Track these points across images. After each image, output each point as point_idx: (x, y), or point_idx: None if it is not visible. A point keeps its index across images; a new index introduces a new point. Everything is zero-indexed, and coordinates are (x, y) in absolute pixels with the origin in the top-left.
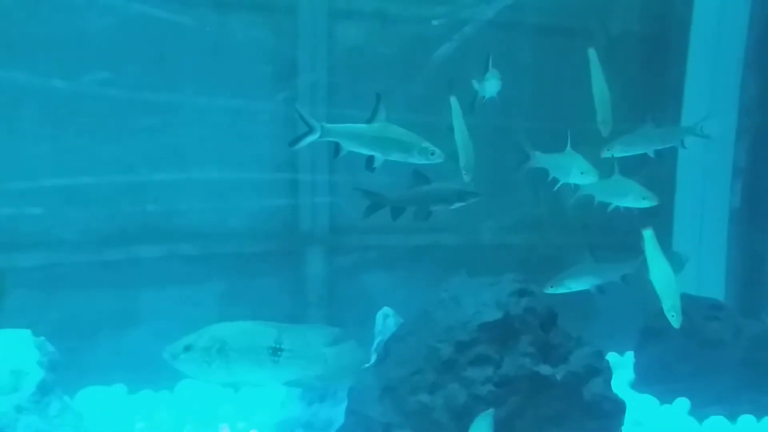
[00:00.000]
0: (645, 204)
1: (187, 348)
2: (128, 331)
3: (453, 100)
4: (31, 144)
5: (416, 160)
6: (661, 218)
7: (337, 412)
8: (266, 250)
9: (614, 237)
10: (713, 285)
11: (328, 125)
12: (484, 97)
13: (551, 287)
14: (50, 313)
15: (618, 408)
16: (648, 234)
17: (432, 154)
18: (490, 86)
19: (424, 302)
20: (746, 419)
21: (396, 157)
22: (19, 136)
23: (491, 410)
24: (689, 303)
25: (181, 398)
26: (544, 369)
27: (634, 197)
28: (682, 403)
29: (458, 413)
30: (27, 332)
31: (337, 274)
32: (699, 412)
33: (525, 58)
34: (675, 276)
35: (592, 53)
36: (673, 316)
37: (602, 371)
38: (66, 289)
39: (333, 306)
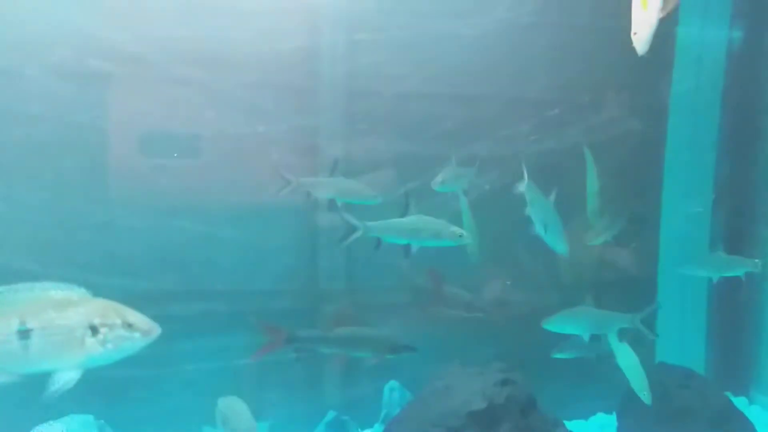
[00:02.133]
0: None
1: None
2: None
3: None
4: None
5: (447, 243)
6: (645, 289)
7: None
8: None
9: None
10: (695, 352)
11: (370, 223)
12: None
13: (547, 324)
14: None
15: None
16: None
17: (460, 236)
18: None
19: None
20: None
21: (429, 242)
22: None
23: None
24: (666, 372)
25: None
26: None
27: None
28: None
29: None
30: (90, 417)
31: None
32: None
33: None
34: (639, 362)
35: (587, 151)
36: (644, 395)
37: None
38: None
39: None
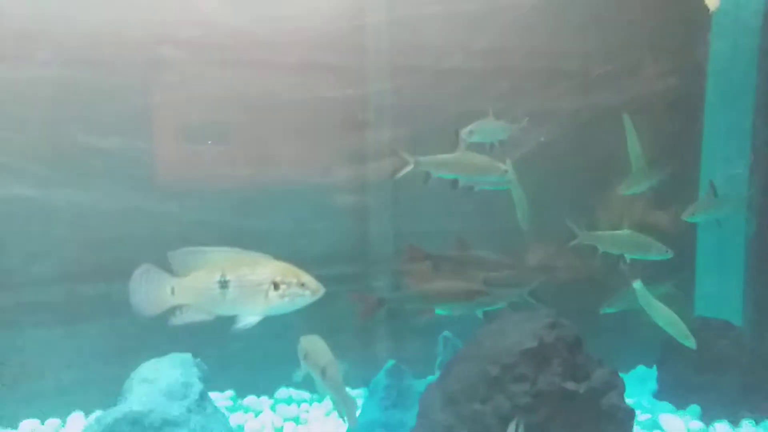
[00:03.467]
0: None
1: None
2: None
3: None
4: None
5: (493, 179)
6: (684, 247)
7: (407, 416)
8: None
9: None
10: (732, 307)
11: (420, 158)
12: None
13: (605, 308)
14: None
15: (628, 415)
16: (638, 286)
17: (506, 171)
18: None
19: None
20: (747, 422)
21: (476, 178)
22: None
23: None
24: (703, 324)
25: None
26: (570, 385)
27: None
28: (694, 409)
29: (503, 418)
30: (188, 355)
31: None
32: (707, 416)
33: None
34: (674, 312)
35: (626, 118)
36: (688, 341)
37: (617, 386)
38: None
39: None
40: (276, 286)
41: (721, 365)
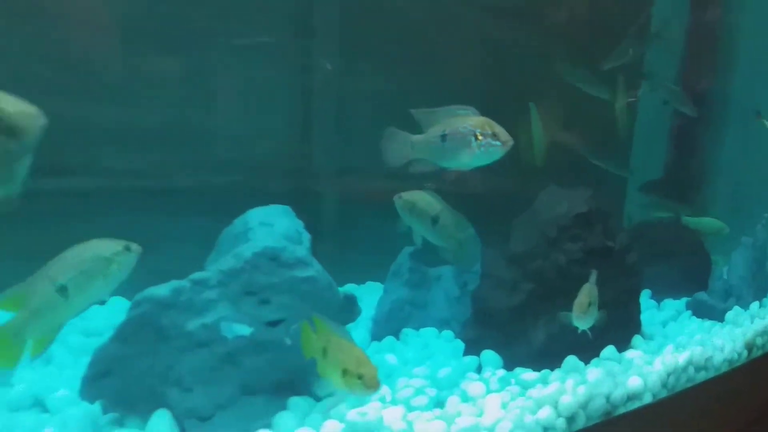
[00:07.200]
0: None
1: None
2: None
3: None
4: None
5: None
6: None
7: (429, 295)
8: None
9: None
10: None
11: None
12: None
13: None
14: None
15: (641, 270)
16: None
17: None
18: None
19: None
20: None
21: None
22: None
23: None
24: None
25: None
26: (609, 243)
27: None
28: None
29: (561, 271)
30: (287, 207)
31: None
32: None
33: None
34: None
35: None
36: None
37: (635, 248)
38: None
39: None
40: (475, 137)
41: None
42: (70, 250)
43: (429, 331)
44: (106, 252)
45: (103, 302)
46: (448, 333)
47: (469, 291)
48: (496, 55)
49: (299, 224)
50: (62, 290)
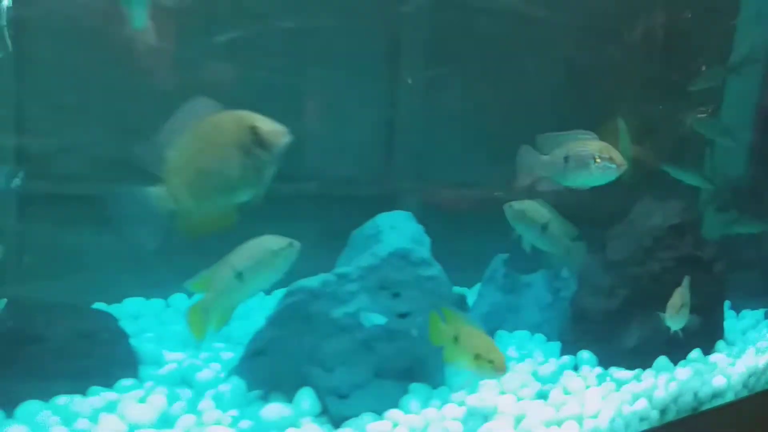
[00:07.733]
0: None
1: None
2: None
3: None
4: None
5: None
6: None
7: (521, 300)
8: None
9: None
10: None
11: None
12: None
13: None
14: None
15: (726, 279)
16: None
17: None
18: None
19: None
20: None
21: None
22: None
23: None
24: None
25: None
26: (698, 253)
27: None
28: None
29: (654, 278)
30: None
31: None
32: None
33: None
34: None
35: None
36: None
37: (721, 258)
38: None
39: None
40: (594, 160)
41: None
42: (247, 243)
43: (522, 334)
44: (275, 246)
45: (269, 292)
46: (539, 336)
47: (562, 297)
48: (578, 73)
49: (421, 228)
50: (239, 276)
